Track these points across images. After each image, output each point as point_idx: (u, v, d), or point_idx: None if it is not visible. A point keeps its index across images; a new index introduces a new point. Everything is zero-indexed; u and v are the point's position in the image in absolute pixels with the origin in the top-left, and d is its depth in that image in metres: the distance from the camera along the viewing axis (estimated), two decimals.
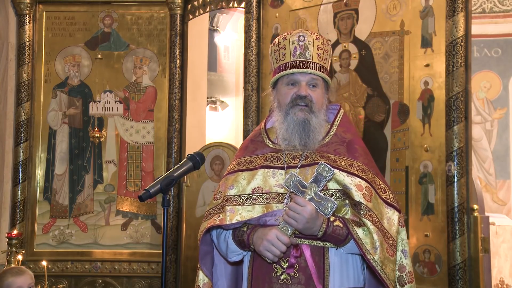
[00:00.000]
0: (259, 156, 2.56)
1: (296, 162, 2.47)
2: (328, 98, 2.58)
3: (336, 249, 2.38)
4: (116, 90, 5.72)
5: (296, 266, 2.36)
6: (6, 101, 5.62)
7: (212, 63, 8.51)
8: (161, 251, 2.44)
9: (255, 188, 2.48)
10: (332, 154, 2.45)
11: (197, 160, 2.49)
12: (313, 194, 2.29)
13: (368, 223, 2.31)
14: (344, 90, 4.53)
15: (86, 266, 5.55)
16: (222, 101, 8.99)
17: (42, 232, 5.61)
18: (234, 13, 8.63)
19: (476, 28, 6.38)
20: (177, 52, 5.59)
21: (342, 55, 4.59)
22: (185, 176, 5.01)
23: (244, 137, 5.05)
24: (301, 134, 2.44)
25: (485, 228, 3.96)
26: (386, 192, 2.46)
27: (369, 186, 2.39)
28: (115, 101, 5.67)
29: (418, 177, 4.13)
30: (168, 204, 2.54)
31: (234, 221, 2.44)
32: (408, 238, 4.07)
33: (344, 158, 2.44)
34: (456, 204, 3.88)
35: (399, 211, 2.46)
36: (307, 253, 2.36)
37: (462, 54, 3.94)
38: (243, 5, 5.22)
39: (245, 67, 5.11)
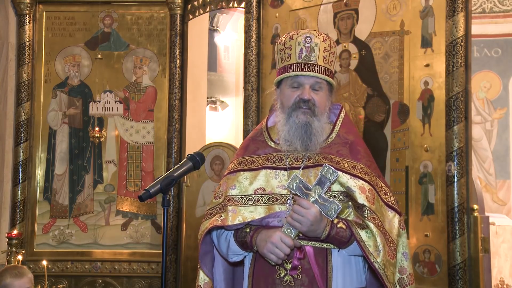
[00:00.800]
0: (261, 156, 2.55)
1: (298, 163, 2.47)
2: (331, 100, 2.57)
3: (338, 251, 2.38)
4: (116, 90, 5.72)
5: (300, 268, 2.36)
6: (6, 101, 5.62)
7: (212, 63, 8.51)
8: (161, 251, 2.44)
9: (258, 188, 2.47)
10: (335, 156, 2.45)
11: (197, 160, 2.49)
12: (317, 197, 2.29)
13: (372, 225, 2.31)
14: (344, 90, 4.53)
15: (86, 266, 5.55)
16: (222, 101, 8.99)
17: (42, 232, 5.61)
18: (234, 13, 8.63)
19: (476, 28, 6.38)
20: (177, 52, 5.59)
21: (342, 55, 4.59)
22: (185, 176, 5.01)
23: (244, 137, 5.05)
24: (302, 137, 2.43)
25: (485, 228, 3.96)
26: (387, 195, 2.47)
27: (372, 188, 2.40)
28: (115, 101, 5.67)
29: (418, 177, 4.13)
30: (168, 204, 2.53)
31: (236, 221, 2.43)
32: (408, 238, 4.07)
33: (347, 160, 2.43)
34: (456, 204, 3.88)
35: (399, 214, 2.47)
36: (310, 254, 2.36)
37: (462, 54, 3.94)
38: (243, 5, 5.22)
39: (245, 67, 5.11)
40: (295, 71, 2.46)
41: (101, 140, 5.56)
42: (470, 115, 3.97)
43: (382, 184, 2.48)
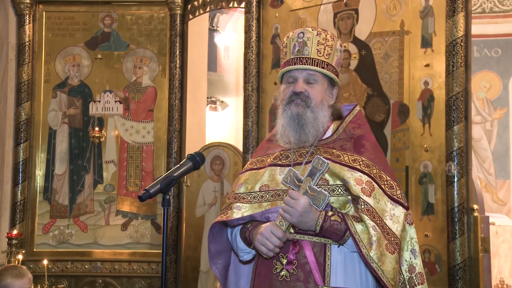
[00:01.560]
0: (269, 155, 2.59)
1: (302, 159, 2.48)
2: (336, 94, 2.55)
3: (338, 246, 2.35)
4: (116, 90, 5.72)
5: (295, 262, 2.35)
6: (6, 101, 5.61)
7: (212, 63, 8.51)
8: (161, 251, 2.44)
9: (262, 186, 2.50)
10: (337, 150, 2.44)
11: (197, 160, 2.49)
12: (307, 188, 2.29)
13: (365, 217, 2.28)
14: (344, 90, 4.53)
15: (86, 266, 5.55)
16: (222, 101, 8.99)
17: (42, 232, 5.61)
18: (234, 13, 8.63)
19: (476, 28, 6.37)
20: (177, 52, 5.59)
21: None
22: (185, 176, 5.01)
23: (244, 137, 5.05)
24: (295, 128, 2.44)
25: (485, 228, 3.96)
26: (393, 188, 2.40)
27: (371, 181, 2.36)
28: (115, 101, 5.66)
29: (418, 177, 4.13)
30: (168, 204, 2.54)
31: (236, 216, 2.46)
32: None
33: (349, 153, 2.42)
34: (456, 204, 3.88)
35: (406, 208, 2.40)
36: (307, 249, 2.35)
37: (462, 54, 3.94)
38: (243, 5, 5.22)
39: (245, 67, 5.11)
40: (289, 66, 2.51)
41: (101, 140, 5.56)
42: (470, 115, 3.97)
43: (388, 178, 2.41)
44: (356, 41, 4.53)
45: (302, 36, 2.50)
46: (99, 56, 5.57)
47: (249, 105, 5.05)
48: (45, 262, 4.80)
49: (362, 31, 4.51)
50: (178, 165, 2.49)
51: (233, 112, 8.98)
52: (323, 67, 2.47)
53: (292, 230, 2.36)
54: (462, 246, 3.85)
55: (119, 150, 5.72)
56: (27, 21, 5.64)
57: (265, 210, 2.43)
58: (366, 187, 2.33)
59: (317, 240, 2.36)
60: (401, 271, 2.36)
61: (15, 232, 4.87)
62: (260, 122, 5.05)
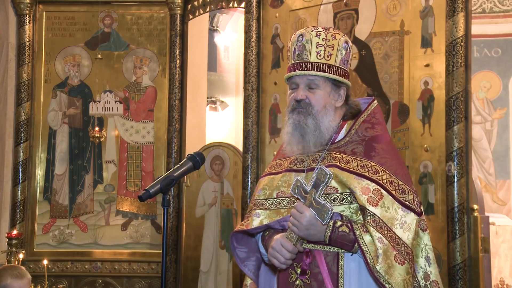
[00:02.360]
0: (287, 159, 2.54)
1: (315, 164, 2.43)
2: (345, 94, 2.46)
3: (351, 255, 2.31)
4: (116, 90, 5.72)
5: (308, 272, 2.32)
6: (6, 101, 5.61)
7: (212, 63, 8.51)
8: (161, 251, 2.44)
9: (279, 192, 2.47)
10: (348, 155, 2.37)
11: (197, 160, 2.49)
12: (312, 200, 2.25)
13: (372, 229, 2.22)
14: None
15: (86, 266, 5.55)
16: (222, 101, 9.00)
17: (42, 232, 5.61)
18: (234, 13, 8.63)
19: (476, 28, 6.37)
20: (177, 52, 5.59)
21: None
22: (185, 176, 5.01)
23: (244, 137, 5.05)
24: (297, 138, 2.41)
25: (485, 228, 3.96)
26: (405, 194, 2.31)
27: (379, 188, 2.28)
28: (115, 101, 5.66)
29: (418, 177, 4.13)
30: (168, 204, 2.54)
31: (254, 225, 2.46)
32: None
33: (358, 159, 2.35)
34: (456, 204, 3.88)
35: (418, 214, 2.31)
36: (319, 259, 2.32)
37: (462, 54, 3.94)
38: (243, 5, 5.22)
39: (245, 67, 5.11)
40: (290, 72, 2.45)
41: (101, 140, 5.56)
42: (470, 115, 3.97)
43: (400, 182, 2.31)
44: (356, 41, 4.53)
45: (301, 39, 2.43)
46: (99, 56, 5.57)
47: (249, 105, 5.05)
48: (45, 262, 4.80)
49: (362, 31, 4.51)
50: (178, 165, 2.49)
51: (233, 112, 8.98)
52: (324, 70, 2.39)
53: (305, 241, 2.33)
54: (462, 246, 3.85)
55: (119, 150, 5.72)
56: (27, 21, 5.64)
57: (281, 218, 2.41)
58: (373, 196, 2.27)
59: (330, 249, 2.32)
60: (417, 278, 2.30)
61: (15, 232, 4.86)
62: (260, 122, 5.05)
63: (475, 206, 3.91)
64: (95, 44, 5.77)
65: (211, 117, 8.33)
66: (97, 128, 5.47)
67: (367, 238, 2.22)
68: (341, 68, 2.43)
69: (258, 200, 2.53)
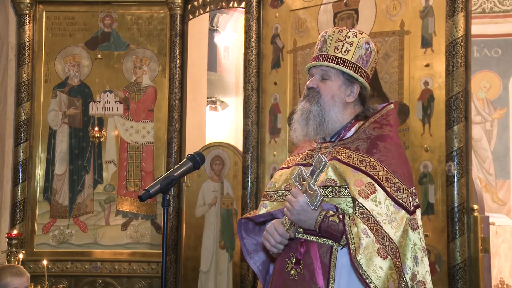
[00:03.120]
0: (300, 154, 2.62)
1: None
2: (358, 92, 2.51)
3: (341, 248, 2.33)
4: (116, 90, 5.72)
5: (302, 262, 2.36)
6: (6, 101, 5.61)
7: (212, 63, 8.51)
8: (161, 251, 2.44)
9: (287, 184, 2.53)
10: (351, 151, 2.42)
11: (197, 160, 2.50)
12: (307, 186, 2.29)
13: (358, 220, 2.25)
14: None
15: (86, 266, 5.55)
16: (222, 101, 9.00)
17: (42, 232, 5.61)
18: (234, 13, 8.63)
19: (476, 28, 6.38)
20: (177, 52, 5.59)
21: None
22: (185, 176, 5.01)
23: (244, 137, 5.05)
24: (301, 124, 2.49)
25: (485, 228, 3.96)
26: (400, 192, 2.33)
27: (373, 183, 2.32)
28: (115, 101, 5.67)
29: (418, 177, 4.13)
30: (168, 204, 2.55)
31: (260, 213, 2.54)
32: None
33: (360, 154, 2.40)
34: (456, 204, 3.88)
35: (410, 212, 2.34)
36: (312, 250, 2.36)
37: (462, 54, 3.94)
38: (243, 5, 5.22)
39: (245, 67, 5.11)
40: (309, 64, 2.56)
41: (101, 140, 5.56)
42: (470, 115, 3.97)
43: (397, 180, 2.34)
44: None
45: (325, 34, 2.55)
46: (99, 56, 5.57)
47: (249, 105, 5.05)
48: (45, 262, 4.80)
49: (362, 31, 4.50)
50: (178, 165, 2.50)
51: (233, 112, 8.98)
52: (338, 63, 2.47)
53: (301, 230, 2.38)
54: (462, 246, 3.85)
55: (119, 150, 5.72)
56: (27, 21, 5.64)
57: (283, 207, 2.44)
58: (365, 189, 2.30)
59: (324, 242, 2.35)
60: (405, 279, 2.30)
61: (15, 232, 4.86)
62: (260, 122, 5.05)
63: (475, 206, 3.91)
64: (95, 44, 5.77)
65: (211, 117, 8.34)
66: (97, 128, 5.47)
67: (354, 229, 2.25)
68: (357, 65, 2.50)
69: (268, 192, 2.60)
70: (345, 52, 2.48)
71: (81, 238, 5.62)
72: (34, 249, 5.58)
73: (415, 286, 2.32)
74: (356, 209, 2.29)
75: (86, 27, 5.80)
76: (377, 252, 2.22)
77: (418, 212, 2.42)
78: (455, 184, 3.89)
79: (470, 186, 3.93)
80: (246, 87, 5.08)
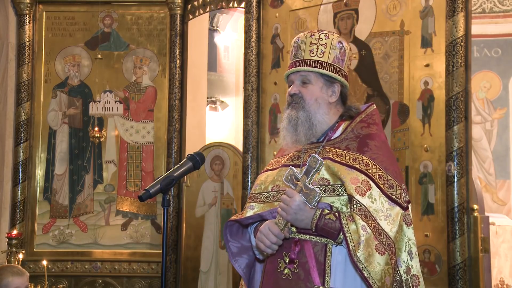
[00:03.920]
0: (285, 156, 2.64)
1: None
2: (339, 91, 2.54)
3: (336, 246, 2.36)
4: (116, 90, 5.72)
5: (296, 261, 2.38)
6: (6, 101, 5.61)
7: (212, 63, 8.51)
8: (161, 251, 2.44)
9: (274, 186, 2.55)
10: (342, 150, 2.45)
11: (197, 160, 2.50)
12: (302, 186, 2.31)
13: (357, 217, 2.28)
14: None
15: (86, 266, 5.55)
16: (222, 101, 9.00)
17: (42, 232, 5.61)
18: (234, 13, 8.63)
19: (476, 28, 6.38)
20: (177, 52, 5.59)
21: None
22: (185, 176, 5.01)
23: (244, 137, 5.05)
24: (290, 130, 2.52)
25: (485, 228, 3.96)
26: (393, 188, 2.38)
27: (368, 180, 2.35)
28: (115, 101, 5.67)
29: (418, 177, 4.13)
30: (168, 204, 2.55)
31: (247, 215, 2.53)
32: None
33: (351, 153, 2.43)
34: (456, 204, 3.88)
35: (404, 208, 2.38)
36: (307, 248, 2.37)
37: (462, 54, 3.94)
38: (243, 5, 5.22)
39: (245, 67, 5.11)
40: (287, 71, 2.59)
41: (101, 140, 5.56)
42: (470, 115, 3.97)
43: (389, 177, 2.39)
44: (356, 41, 4.53)
45: (297, 40, 2.58)
46: (99, 56, 5.57)
47: (249, 105, 5.05)
48: (44, 262, 4.80)
49: (362, 31, 4.51)
50: (178, 165, 2.50)
51: (233, 112, 8.99)
52: (316, 66, 2.51)
53: (294, 229, 2.39)
54: (462, 246, 3.85)
55: (119, 150, 5.72)
56: (27, 21, 5.64)
57: (273, 208, 2.46)
58: (361, 186, 2.34)
59: (318, 240, 2.37)
60: (399, 272, 2.34)
61: (15, 232, 4.87)
62: (260, 122, 5.05)
63: (475, 206, 3.91)
64: (95, 44, 5.77)
65: (211, 117, 8.34)
66: (97, 128, 5.47)
67: (352, 227, 2.28)
68: (334, 65, 2.54)
69: (254, 194, 2.61)
70: (320, 54, 2.52)
71: (81, 238, 5.62)
72: (34, 249, 5.58)
73: (409, 279, 2.36)
74: (354, 206, 2.31)
75: (86, 27, 5.80)
76: (375, 248, 2.25)
77: (410, 207, 2.46)
78: (455, 184, 3.89)
79: (470, 186, 3.93)
80: (246, 87, 5.08)
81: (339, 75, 2.54)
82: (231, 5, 5.43)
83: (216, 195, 5.40)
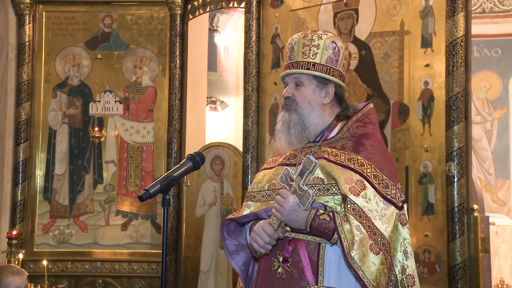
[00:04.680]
0: (282, 155, 2.65)
1: None
2: (333, 92, 2.53)
3: (331, 246, 2.36)
4: (116, 90, 5.72)
5: (290, 260, 2.38)
6: (6, 101, 5.61)
7: (212, 63, 8.51)
8: (161, 251, 2.45)
9: (270, 184, 2.56)
10: (337, 149, 2.45)
11: (197, 160, 2.50)
12: (296, 187, 2.32)
13: (351, 217, 2.28)
14: None
15: (86, 266, 5.55)
16: (222, 101, 9.00)
17: (42, 232, 5.61)
18: (234, 13, 8.63)
19: (476, 28, 6.38)
20: (177, 52, 5.59)
21: None
22: (185, 176, 5.01)
23: (244, 137, 5.05)
24: (284, 133, 2.53)
25: (485, 228, 3.96)
26: (388, 188, 2.37)
27: (362, 180, 2.35)
28: (115, 101, 5.67)
29: (418, 177, 4.13)
30: (168, 204, 2.55)
31: (243, 213, 2.55)
32: None
33: (346, 153, 2.43)
34: (456, 204, 3.88)
35: (399, 208, 2.37)
36: (300, 248, 2.38)
37: (462, 54, 3.94)
38: (243, 5, 5.22)
39: (245, 67, 5.11)
40: (281, 74, 2.61)
41: (101, 140, 5.56)
42: (470, 115, 3.97)
43: (384, 177, 2.38)
44: (356, 41, 4.53)
45: (292, 42, 2.58)
46: (99, 56, 5.57)
47: (249, 105, 5.05)
48: (44, 262, 4.80)
49: (362, 31, 4.51)
50: (178, 165, 2.50)
51: (233, 112, 8.99)
52: (308, 68, 2.50)
53: (288, 228, 2.40)
54: (462, 246, 3.85)
55: (119, 150, 5.72)
56: (27, 21, 5.64)
57: (268, 207, 2.47)
58: (355, 186, 2.33)
59: (312, 239, 2.38)
60: (394, 272, 2.33)
61: (15, 232, 4.87)
62: (260, 122, 5.05)
63: (475, 206, 3.91)
64: (95, 44, 5.77)
65: (211, 117, 8.34)
66: (97, 128, 5.47)
67: (346, 226, 2.28)
68: (327, 66, 2.52)
69: (251, 193, 2.62)
70: (313, 55, 2.51)
71: (81, 238, 5.62)
72: (34, 249, 5.58)
73: (404, 279, 2.35)
74: (348, 206, 2.31)
75: (86, 27, 5.80)
76: (370, 248, 2.25)
77: (405, 207, 2.45)
78: (455, 184, 3.89)
79: (470, 186, 3.93)
80: (246, 87, 5.08)
81: (333, 75, 2.52)
82: (231, 5, 5.43)
83: (216, 195, 5.40)
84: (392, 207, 2.36)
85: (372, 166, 2.40)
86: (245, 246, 2.65)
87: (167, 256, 5.15)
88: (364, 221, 2.28)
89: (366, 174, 2.37)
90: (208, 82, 6.96)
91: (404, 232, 2.38)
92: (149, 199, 2.41)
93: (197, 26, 6.03)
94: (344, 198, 2.33)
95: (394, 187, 2.39)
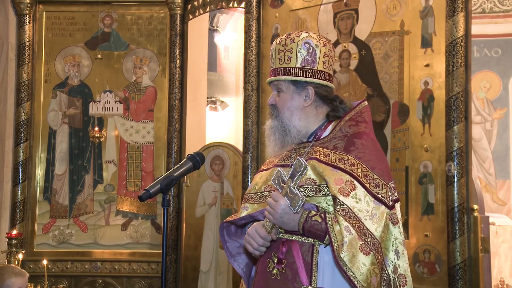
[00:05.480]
0: (278, 156, 2.66)
1: None
2: (313, 93, 2.51)
3: (325, 247, 2.36)
4: (116, 90, 5.72)
5: (284, 261, 2.39)
6: (6, 101, 5.61)
7: (212, 63, 8.52)
8: (161, 251, 2.45)
9: (266, 186, 2.57)
10: (329, 150, 2.46)
11: (197, 160, 2.51)
12: (288, 189, 2.32)
13: (340, 218, 2.28)
14: (344, 90, 4.53)
15: (86, 266, 5.55)
16: (222, 101, 9.00)
17: (42, 232, 5.61)
18: (234, 13, 8.64)
19: (476, 28, 6.38)
20: (177, 52, 5.59)
21: (342, 55, 4.59)
22: (185, 176, 5.01)
23: (244, 137, 5.05)
24: (270, 139, 2.56)
25: (485, 228, 3.96)
26: (379, 187, 2.36)
27: (352, 180, 2.34)
28: (115, 101, 5.67)
29: (418, 177, 4.13)
30: (168, 204, 2.55)
31: (241, 215, 2.57)
32: (407, 238, 4.07)
33: (337, 153, 2.43)
34: (456, 204, 3.88)
35: (389, 207, 2.36)
36: (294, 249, 2.38)
37: (462, 54, 3.93)
38: (243, 5, 5.22)
39: (245, 67, 5.11)
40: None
41: (101, 140, 5.56)
42: (470, 115, 3.96)
43: (375, 176, 2.37)
44: (356, 41, 4.53)
45: (271, 49, 2.62)
46: (99, 56, 5.57)
47: (249, 105, 5.05)
48: (44, 262, 4.80)
49: (362, 31, 4.51)
50: (178, 165, 2.51)
51: (233, 112, 8.99)
52: (284, 74, 2.52)
53: (282, 230, 2.41)
54: (462, 246, 3.85)
55: (119, 150, 5.72)
56: (27, 21, 5.64)
57: (263, 209, 2.47)
58: (345, 186, 2.33)
59: (305, 240, 2.39)
60: (387, 271, 2.32)
61: (15, 232, 4.86)
62: (260, 122, 5.04)
63: (475, 206, 3.91)
64: (95, 44, 5.77)
65: (211, 117, 8.34)
66: (97, 128, 5.47)
67: (336, 227, 2.28)
68: (303, 68, 2.51)
69: (248, 195, 2.64)
70: (288, 60, 2.52)
71: (81, 238, 5.62)
72: (34, 249, 5.58)
73: (396, 279, 2.34)
74: (338, 207, 2.31)
75: (86, 27, 5.80)
76: (359, 249, 2.24)
77: (398, 206, 2.43)
78: (455, 184, 3.89)
79: (470, 186, 3.93)
80: (246, 87, 5.08)
81: (311, 76, 2.50)
82: (231, 5, 5.43)
83: (216, 195, 5.40)
84: (383, 207, 2.35)
85: (363, 165, 2.39)
86: (242, 252, 2.69)
87: (167, 256, 5.15)
88: (354, 222, 2.28)
89: (357, 174, 2.36)
90: (208, 82, 6.96)
91: (396, 231, 2.36)
92: (149, 199, 2.41)
93: (197, 26, 6.03)
94: (334, 199, 2.33)
95: (386, 186, 2.38)
